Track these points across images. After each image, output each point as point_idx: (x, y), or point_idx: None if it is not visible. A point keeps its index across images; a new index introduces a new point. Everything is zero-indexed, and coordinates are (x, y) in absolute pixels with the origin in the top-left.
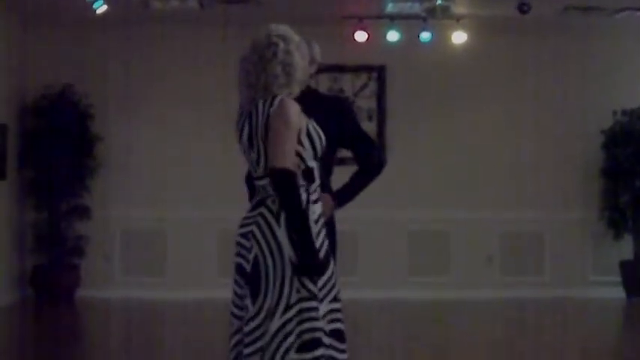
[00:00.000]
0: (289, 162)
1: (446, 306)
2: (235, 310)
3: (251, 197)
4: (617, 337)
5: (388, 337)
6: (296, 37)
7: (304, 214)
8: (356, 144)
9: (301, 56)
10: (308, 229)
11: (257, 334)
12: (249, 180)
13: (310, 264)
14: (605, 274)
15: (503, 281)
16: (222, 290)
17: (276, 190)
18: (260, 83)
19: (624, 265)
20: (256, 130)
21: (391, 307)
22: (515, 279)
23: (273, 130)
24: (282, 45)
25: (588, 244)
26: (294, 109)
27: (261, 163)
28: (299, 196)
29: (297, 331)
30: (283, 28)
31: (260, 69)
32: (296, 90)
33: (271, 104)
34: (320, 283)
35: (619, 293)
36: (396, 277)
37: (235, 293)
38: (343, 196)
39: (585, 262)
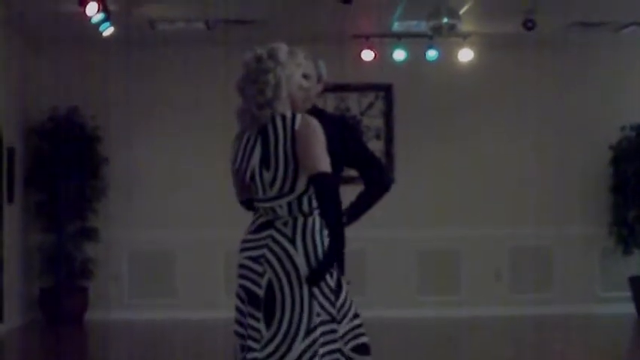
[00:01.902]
0: (329, 169)
1: (455, 324)
2: (240, 329)
3: None
4: (628, 353)
5: (398, 357)
6: (283, 51)
7: (342, 220)
8: (361, 164)
9: (296, 68)
10: (343, 236)
11: (274, 359)
12: (249, 202)
13: (324, 271)
14: (615, 290)
15: (513, 298)
16: (231, 310)
17: (323, 194)
18: (256, 103)
19: (634, 281)
20: (275, 150)
21: (400, 326)
22: (524, 296)
23: (307, 142)
24: (270, 62)
25: (597, 260)
26: (318, 124)
27: (277, 184)
28: (340, 201)
29: (320, 352)
30: (272, 45)
31: (253, 89)
32: (285, 106)
33: (293, 121)
34: (337, 304)
35: (629, 309)
36: (404, 295)
37: (240, 312)
38: (349, 216)
39: (594, 278)
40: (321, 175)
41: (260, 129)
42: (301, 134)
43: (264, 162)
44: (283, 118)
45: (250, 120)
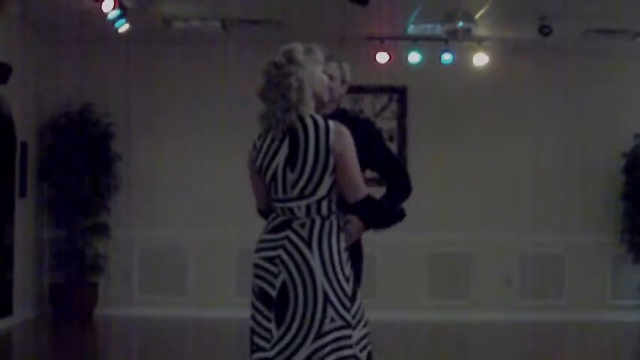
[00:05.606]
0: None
1: (465, 328)
2: (257, 328)
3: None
4: None
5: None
6: (299, 51)
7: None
8: (386, 168)
9: (315, 65)
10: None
11: (280, 358)
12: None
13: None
14: (625, 298)
15: (523, 304)
16: (241, 309)
17: (368, 215)
18: (281, 107)
19: None
20: (305, 153)
21: (410, 329)
22: (535, 302)
23: (347, 159)
24: (289, 66)
25: (608, 267)
26: (349, 135)
27: (299, 185)
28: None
29: (332, 357)
30: (287, 48)
31: (277, 94)
32: (310, 108)
33: (327, 130)
34: (352, 310)
35: (639, 317)
36: (414, 298)
37: (257, 310)
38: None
39: (605, 286)
40: (367, 199)
41: (288, 130)
42: (341, 147)
43: (290, 163)
44: (315, 123)
45: (275, 123)
